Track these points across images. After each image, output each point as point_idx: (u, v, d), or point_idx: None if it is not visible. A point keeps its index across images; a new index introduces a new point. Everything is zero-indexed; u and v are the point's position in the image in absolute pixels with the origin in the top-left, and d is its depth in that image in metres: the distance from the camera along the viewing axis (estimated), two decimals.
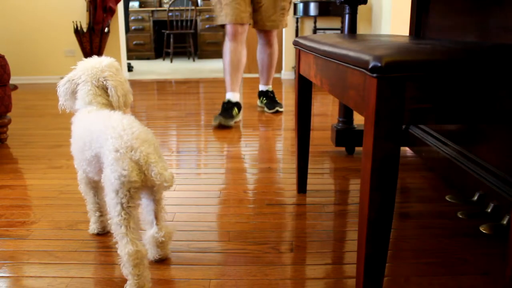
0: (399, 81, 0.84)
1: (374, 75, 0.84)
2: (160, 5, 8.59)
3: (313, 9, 4.89)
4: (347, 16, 2.17)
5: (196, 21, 8.08)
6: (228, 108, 3.13)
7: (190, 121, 3.27)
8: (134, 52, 8.13)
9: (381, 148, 0.86)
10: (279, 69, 5.67)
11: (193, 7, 7.75)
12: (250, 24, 3.26)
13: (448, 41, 1.22)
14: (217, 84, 5.18)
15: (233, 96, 3.18)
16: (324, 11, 4.86)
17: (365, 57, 0.89)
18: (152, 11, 8.33)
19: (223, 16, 3.13)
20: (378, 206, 0.89)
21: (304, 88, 1.71)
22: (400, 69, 0.84)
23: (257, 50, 3.56)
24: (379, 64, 0.83)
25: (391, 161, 0.87)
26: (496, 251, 1.40)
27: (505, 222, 1.36)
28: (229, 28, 3.12)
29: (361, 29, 5.06)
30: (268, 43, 3.46)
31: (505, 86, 0.88)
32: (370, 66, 0.85)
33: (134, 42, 8.22)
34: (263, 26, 3.30)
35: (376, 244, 0.92)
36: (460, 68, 0.87)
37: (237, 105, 3.16)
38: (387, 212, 0.90)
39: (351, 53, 1.00)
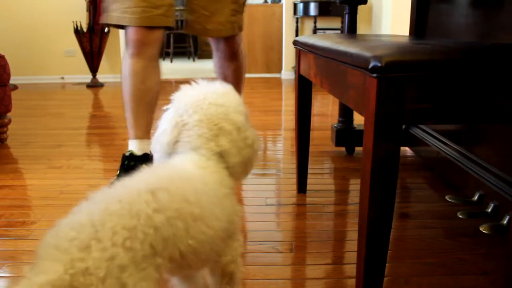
0: (399, 81, 0.84)
1: (374, 75, 0.84)
2: None
3: (313, 9, 4.90)
4: (347, 16, 2.17)
5: None
6: (129, 168, 1.78)
7: None
8: None
9: (381, 148, 0.86)
10: (279, 69, 5.67)
11: None
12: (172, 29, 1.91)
13: (448, 41, 1.22)
14: None
15: (138, 146, 1.81)
16: (324, 11, 4.87)
17: (365, 57, 0.89)
18: None
19: (117, 11, 1.75)
20: (378, 206, 0.89)
21: (304, 88, 1.71)
22: (400, 69, 0.84)
23: (213, 63, 2.15)
24: (379, 64, 0.83)
25: (391, 161, 0.87)
26: (496, 251, 1.40)
27: (505, 222, 1.35)
28: (130, 34, 1.77)
29: (361, 29, 5.06)
30: (231, 55, 2.07)
31: (505, 86, 0.88)
32: (370, 66, 0.85)
33: None
34: (206, 32, 1.99)
35: (376, 244, 0.92)
36: (460, 68, 0.87)
37: (145, 159, 1.80)
38: (387, 212, 0.90)
39: (351, 53, 1.00)
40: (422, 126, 2.11)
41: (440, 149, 1.86)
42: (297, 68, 1.71)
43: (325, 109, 3.66)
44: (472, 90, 0.88)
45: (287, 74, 5.45)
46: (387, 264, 1.17)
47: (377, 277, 0.94)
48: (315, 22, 5.16)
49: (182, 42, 8.14)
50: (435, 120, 0.90)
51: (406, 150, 2.40)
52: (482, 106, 0.90)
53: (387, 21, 4.55)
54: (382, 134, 0.85)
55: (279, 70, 5.67)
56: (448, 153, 1.79)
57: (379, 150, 0.86)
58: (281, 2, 5.64)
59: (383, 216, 0.90)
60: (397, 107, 0.85)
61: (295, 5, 5.15)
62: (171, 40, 7.56)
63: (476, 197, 1.51)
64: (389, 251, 1.39)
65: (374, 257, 0.93)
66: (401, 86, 0.85)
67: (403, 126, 2.23)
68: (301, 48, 1.62)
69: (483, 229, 1.36)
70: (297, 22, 5.24)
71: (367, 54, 0.89)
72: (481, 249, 1.41)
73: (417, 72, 0.85)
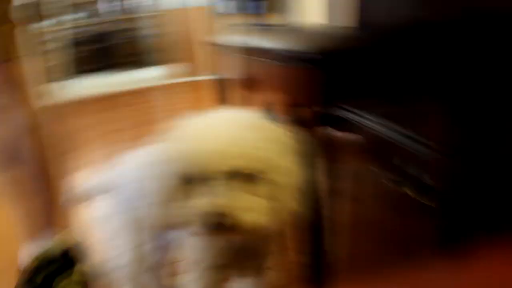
0: (321, 69, 0.85)
1: (295, 66, 0.84)
2: (77, 21, 8.30)
3: (231, 7, 4.91)
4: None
5: (115, 32, 7.89)
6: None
7: (122, 134, 3.18)
8: (55, 74, 7.81)
9: (312, 135, 0.87)
10: (204, 71, 5.61)
11: (111, 19, 7.56)
12: None
13: (362, 25, 1.24)
14: (143, 94, 5.10)
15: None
16: (243, 8, 4.89)
17: (293, 48, 0.90)
18: (69, 28, 8.03)
19: None
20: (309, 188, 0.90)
21: (223, 88, 1.71)
22: (321, 58, 0.84)
23: None
24: (300, 55, 0.84)
25: (324, 146, 0.88)
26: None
27: (434, 187, 1.39)
28: None
29: (274, 20, 5.07)
30: None
31: (417, 63, 0.91)
32: (290, 58, 0.86)
33: (54, 63, 7.90)
34: None
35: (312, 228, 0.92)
36: (373, 52, 0.89)
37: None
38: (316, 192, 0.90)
39: (277, 47, 1.00)
40: (354, 110, 2.14)
41: (376, 130, 1.90)
42: (216, 68, 1.70)
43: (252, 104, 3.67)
44: (390, 71, 0.90)
45: (211, 74, 5.41)
46: (347, 251, 1.20)
47: (318, 257, 0.95)
48: (234, 20, 5.16)
49: (105, 56, 7.89)
50: (360, 101, 0.93)
51: (342, 134, 2.43)
52: (400, 83, 0.92)
53: (299, 8, 4.59)
54: (314, 122, 0.86)
55: (204, 72, 5.63)
56: (383, 132, 1.83)
57: (309, 137, 0.87)
58: (198, 5, 5.59)
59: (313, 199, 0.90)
60: (324, 94, 0.86)
61: (213, 6, 5.14)
62: (93, 55, 7.34)
63: (408, 168, 1.55)
64: (346, 236, 1.40)
65: (312, 237, 0.93)
66: (325, 73, 0.86)
67: (336, 112, 2.26)
68: (220, 49, 1.61)
69: (416, 196, 1.39)
70: (218, 21, 5.22)
71: (284, 46, 0.89)
72: (422, 216, 1.44)
73: (336, 59, 0.87)
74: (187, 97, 4.51)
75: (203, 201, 0.65)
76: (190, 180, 0.66)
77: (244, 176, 0.65)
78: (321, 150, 0.89)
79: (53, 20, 8.25)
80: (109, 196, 0.99)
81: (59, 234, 1.25)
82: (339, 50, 0.87)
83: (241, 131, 0.67)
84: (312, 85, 0.85)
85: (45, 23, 8.01)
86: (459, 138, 1.06)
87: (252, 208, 0.65)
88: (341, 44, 0.91)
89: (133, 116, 3.96)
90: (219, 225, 0.64)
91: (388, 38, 0.92)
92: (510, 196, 1.14)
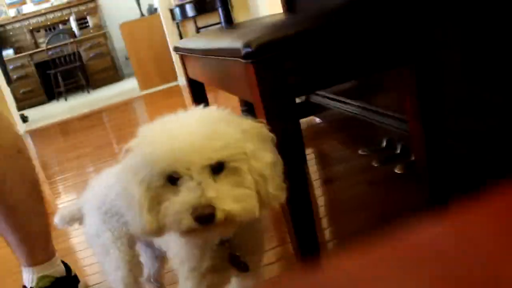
0: (273, 61, 0.87)
1: (249, 61, 0.86)
2: (37, 47, 8.22)
3: (189, 10, 4.90)
4: (220, 10, 2.19)
5: (79, 52, 7.82)
6: None
7: (103, 152, 3.18)
8: (24, 102, 7.74)
9: (277, 128, 0.88)
10: (174, 77, 5.60)
11: (71, 40, 7.49)
12: None
13: (315, 10, 1.27)
14: (118, 109, 5.07)
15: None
16: (201, 9, 4.89)
17: (237, 45, 0.91)
18: (31, 55, 7.95)
19: None
20: (291, 178, 0.92)
21: (197, 90, 1.72)
22: (271, 49, 0.86)
23: None
24: (250, 49, 0.86)
25: (291, 136, 0.90)
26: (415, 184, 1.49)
27: (413, 158, 1.44)
28: None
29: (240, 17, 5.11)
30: None
31: (370, 39, 0.93)
32: (243, 54, 0.87)
33: (21, 91, 7.83)
34: None
35: (300, 213, 0.95)
36: (326, 34, 0.91)
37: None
38: (301, 179, 0.93)
39: (225, 46, 1.02)
40: (320, 92, 2.19)
41: (342, 109, 1.94)
42: (185, 73, 1.71)
43: (227, 103, 3.69)
44: (344, 50, 0.92)
45: (183, 79, 5.41)
46: (327, 229, 1.21)
47: (311, 240, 0.98)
48: (195, 23, 5.17)
49: (72, 78, 7.85)
50: (319, 86, 0.94)
51: (314, 119, 2.47)
52: (358, 61, 0.95)
53: (263, 4, 4.64)
54: (274, 115, 0.87)
55: (175, 78, 5.63)
56: (350, 110, 1.87)
57: (276, 130, 0.88)
58: (158, 11, 5.58)
59: (298, 185, 0.92)
60: (280, 85, 0.88)
61: (172, 11, 5.12)
62: (59, 78, 7.28)
63: (384, 144, 1.60)
64: (324, 216, 1.45)
65: (302, 223, 0.96)
66: (277, 64, 0.87)
67: (304, 98, 2.30)
68: (183, 53, 1.63)
69: (397, 170, 1.45)
70: (178, 27, 5.22)
71: (238, 42, 0.91)
72: (404, 188, 1.48)
73: (288, 47, 0.88)
74: (164, 104, 4.51)
75: (190, 196, 0.65)
76: (175, 178, 0.67)
77: (227, 168, 0.67)
78: (293, 138, 0.92)
79: (17, 47, 8.16)
80: (96, 215, 1.00)
81: (56, 256, 1.28)
82: (284, 38, 0.89)
83: (215, 125, 0.69)
84: (262, 79, 0.86)
85: (10, 51, 7.92)
86: (421, 105, 1.09)
87: (239, 198, 0.67)
88: (285, 31, 0.92)
89: (114, 131, 3.96)
90: (210, 217, 0.64)
91: (322, 17, 0.94)
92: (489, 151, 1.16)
